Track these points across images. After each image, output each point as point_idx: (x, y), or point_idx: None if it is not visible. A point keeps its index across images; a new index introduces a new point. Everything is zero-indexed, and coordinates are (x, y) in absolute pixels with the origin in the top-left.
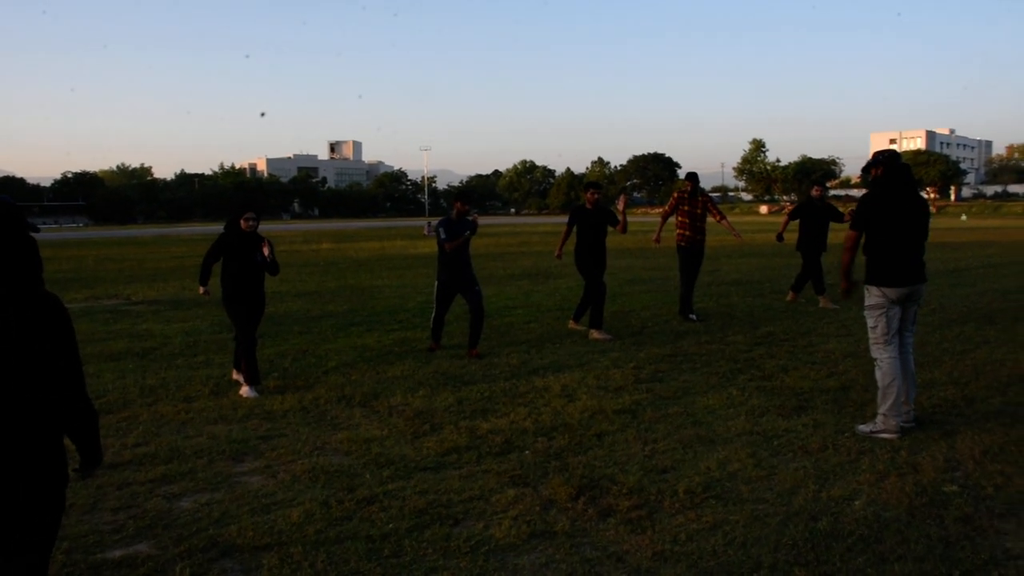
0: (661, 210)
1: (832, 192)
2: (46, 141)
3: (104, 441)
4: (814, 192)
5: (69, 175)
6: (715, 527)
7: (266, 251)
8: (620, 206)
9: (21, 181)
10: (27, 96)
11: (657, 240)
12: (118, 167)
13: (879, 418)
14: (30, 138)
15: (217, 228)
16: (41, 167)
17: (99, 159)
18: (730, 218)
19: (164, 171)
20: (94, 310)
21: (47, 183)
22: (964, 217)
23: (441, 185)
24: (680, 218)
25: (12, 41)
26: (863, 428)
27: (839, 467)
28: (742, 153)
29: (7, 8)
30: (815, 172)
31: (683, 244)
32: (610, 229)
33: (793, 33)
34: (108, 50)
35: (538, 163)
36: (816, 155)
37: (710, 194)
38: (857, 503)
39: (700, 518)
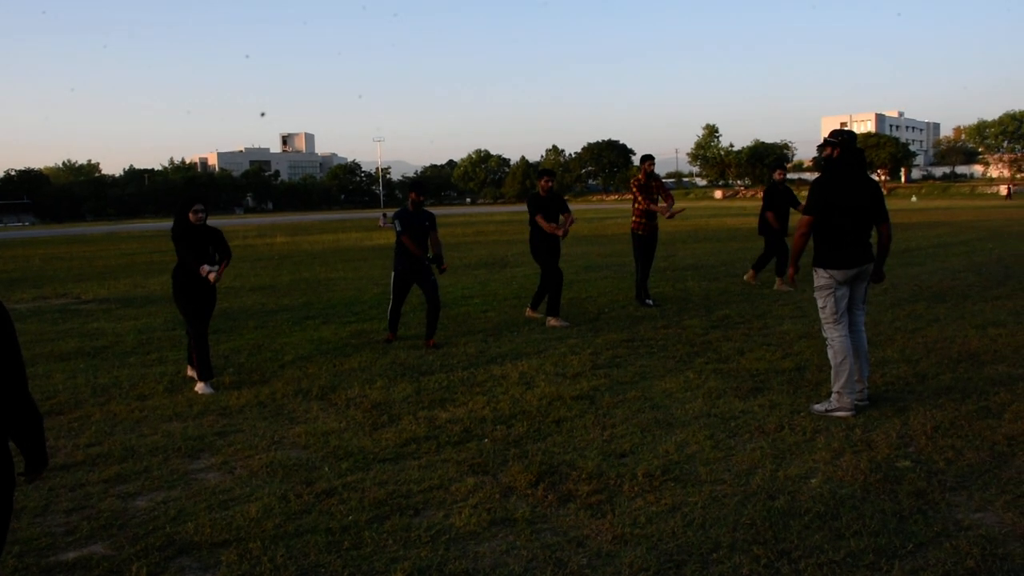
0: (629, 196)
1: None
2: None
3: (56, 442)
4: (776, 175)
5: (12, 172)
6: (674, 509)
7: (212, 277)
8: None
9: None
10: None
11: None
12: (64, 164)
13: (833, 397)
14: None
15: (167, 224)
16: None
17: (43, 156)
18: (685, 203)
19: (112, 167)
20: (42, 310)
21: None
22: (914, 199)
23: (395, 176)
24: (637, 204)
25: None
26: (818, 407)
27: (795, 446)
28: (695, 139)
29: None
30: (768, 156)
31: (639, 231)
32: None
33: (744, 16)
34: (51, 42)
35: (492, 152)
36: (769, 139)
37: (664, 180)
38: (813, 481)
39: (659, 501)
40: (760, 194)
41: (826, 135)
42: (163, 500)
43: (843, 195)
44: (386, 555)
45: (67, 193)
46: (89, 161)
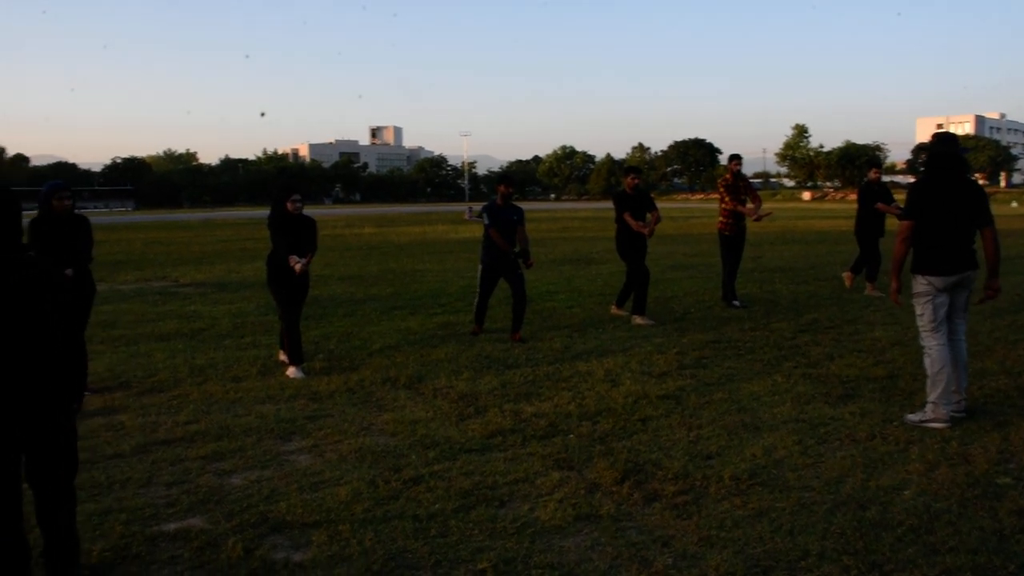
0: (715, 196)
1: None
2: (96, 127)
3: (157, 418)
4: (872, 175)
5: (118, 160)
6: (761, 514)
7: (298, 267)
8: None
9: (72, 166)
10: (77, 83)
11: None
12: (165, 153)
13: (928, 407)
14: (81, 125)
15: (261, 213)
16: (92, 153)
17: (147, 145)
18: (772, 205)
19: (209, 156)
20: (144, 292)
21: (97, 168)
22: (1015, 204)
23: (481, 170)
24: (723, 205)
25: (58, 30)
26: (912, 417)
27: (887, 456)
28: (784, 138)
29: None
30: (859, 158)
31: (725, 231)
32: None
33: (838, 15)
34: (153, 40)
35: (578, 148)
36: (860, 140)
37: (751, 180)
38: (907, 493)
39: (746, 504)
40: (852, 196)
41: (923, 138)
42: (257, 479)
43: (943, 198)
44: (472, 544)
45: (167, 181)
46: (188, 150)
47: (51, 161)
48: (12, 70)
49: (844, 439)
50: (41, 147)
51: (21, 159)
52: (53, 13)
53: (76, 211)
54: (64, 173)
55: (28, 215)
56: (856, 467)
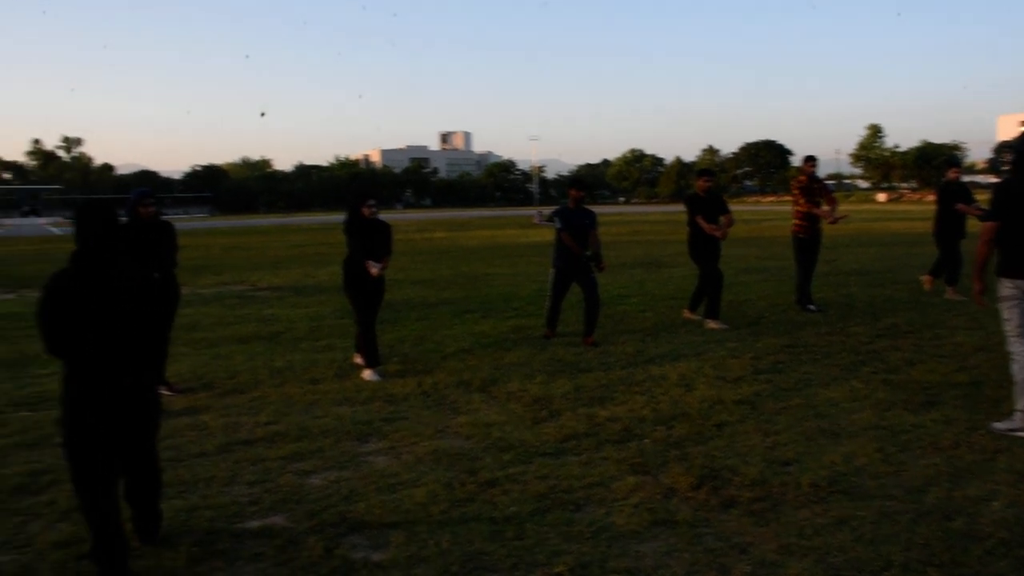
0: (787, 198)
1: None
2: (176, 137)
3: (239, 418)
4: (951, 174)
5: (197, 168)
6: (842, 522)
7: (374, 271)
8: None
9: (155, 174)
10: (157, 94)
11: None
12: (241, 160)
13: (1017, 415)
14: (162, 134)
15: (334, 218)
16: (173, 161)
17: (224, 152)
18: (846, 206)
19: (283, 163)
20: (223, 295)
21: (177, 176)
22: None
23: (550, 174)
24: (798, 207)
25: (139, 43)
26: (999, 425)
27: (974, 466)
28: (858, 139)
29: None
30: (937, 158)
31: (800, 234)
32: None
33: (912, 8)
34: (228, 52)
35: (647, 152)
36: (938, 140)
37: (825, 181)
38: (995, 504)
39: (826, 512)
40: (930, 197)
41: (1007, 136)
42: (335, 479)
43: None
44: (548, 548)
45: (243, 187)
46: (262, 157)
47: (135, 169)
48: (100, 81)
49: (927, 447)
50: (126, 156)
51: (107, 168)
52: (139, 27)
53: (161, 217)
54: (147, 181)
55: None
56: (940, 476)
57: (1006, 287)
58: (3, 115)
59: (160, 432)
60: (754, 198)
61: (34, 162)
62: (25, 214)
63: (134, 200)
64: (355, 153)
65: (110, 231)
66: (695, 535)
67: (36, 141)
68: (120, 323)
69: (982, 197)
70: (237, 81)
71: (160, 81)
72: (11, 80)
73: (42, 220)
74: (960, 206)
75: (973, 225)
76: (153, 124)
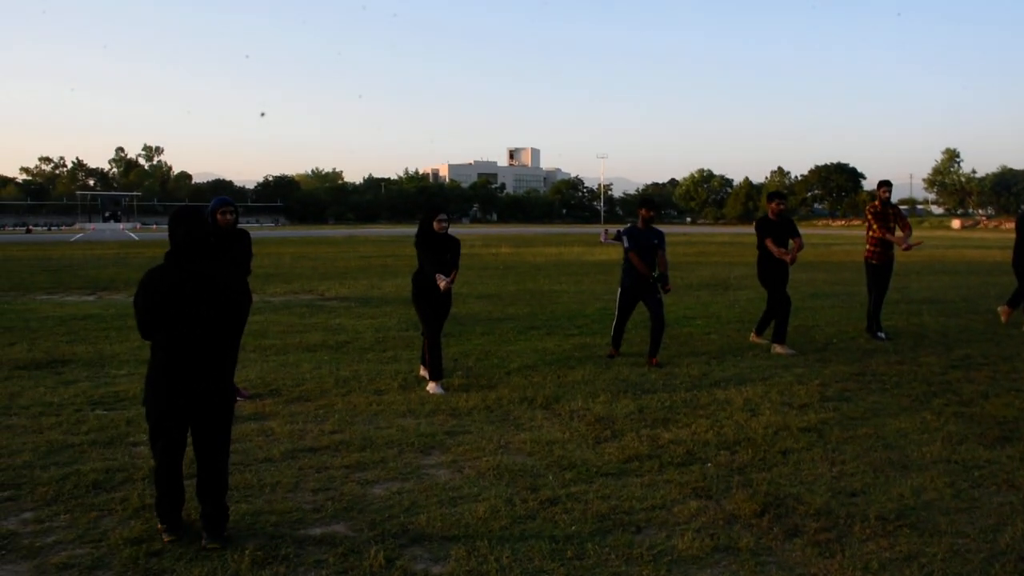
0: (862, 223)
1: None
2: (251, 147)
3: (304, 426)
4: None
5: (270, 178)
6: (910, 558)
7: (443, 285)
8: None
9: (229, 183)
10: (234, 107)
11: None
12: (312, 171)
13: None
14: (238, 145)
15: (401, 231)
16: (248, 171)
17: (296, 163)
18: (920, 233)
19: (353, 175)
20: (292, 304)
21: (251, 185)
22: None
23: (617, 193)
24: (871, 232)
25: (206, 56)
26: None
27: None
28: (933, 163)
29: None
30: (1016, 184)
31: (872, 260)
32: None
33: (991, 31)
34: (299, 67)
35: (715, 172)
36: (1018, 166)
37: (899, 207)
38: None
39: (893, 547)
40: (1008, 224)
41: None
42: (398, 491)
43: None
44: (608, 569)
45: (313, 198)
46: (334, 169)
47: (210, 179)
48: (174, 88)
49: (1001, 484)
50: (202, 165)
51: (185, 176)
52: (205, 39)
53: (238, 226)
54: (221, 190)
55: None
56: (1016, 515)
57: None
58: (88, 123)
59: (230, 434)
60: (824, 222)
61: (116, 169)
62: (107, 219)
63: (213, 207)
64: (424, 167)
65: (197, 234)
66: (758, 563)
67: (119, 149)
68: (204, 318)
69: None
70: (309, 95)
71: (235, 90)
72: (95, 89)
73: (122, 225)
74: None
75: None
76: (228, 133)
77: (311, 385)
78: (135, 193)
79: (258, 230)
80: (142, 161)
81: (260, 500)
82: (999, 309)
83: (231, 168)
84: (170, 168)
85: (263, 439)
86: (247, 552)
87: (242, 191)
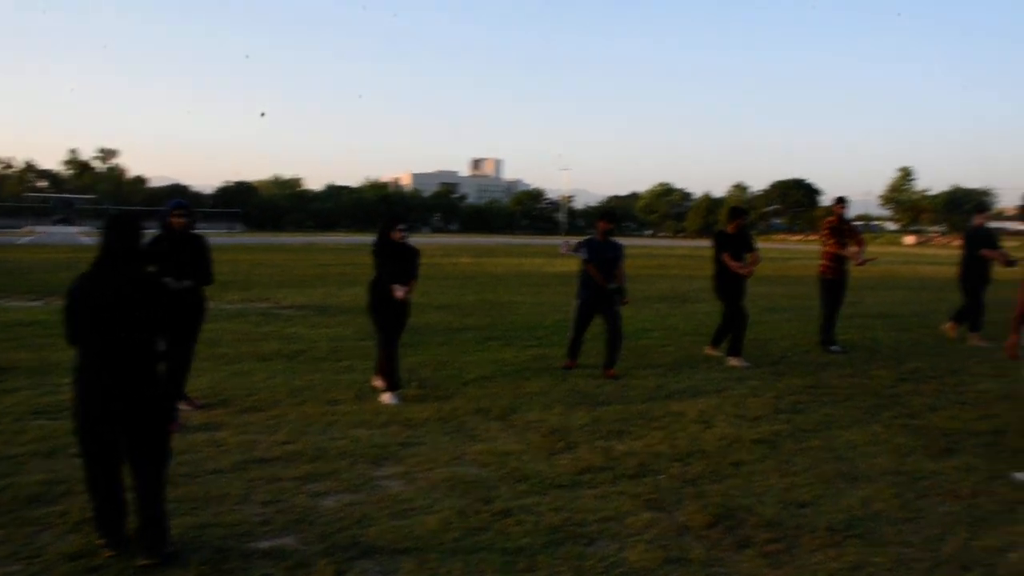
0: (815, 237)
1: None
2: (208, 152)
3: (256, 436)
4: (977, 220)
5: (229, 184)
6: (857, 568)
7: (400, 294)
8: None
9: (186, 188)
10: (195, 111)
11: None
12: (272, 177)
13: None
14: (198, 149)
15: (361, 239)
16: (207, 176)
17: (256, 169)
18: (874, 248)
19: (314, 183)
20: (247, 312)
21: (208, 191)
22: None
23: (578, 205)
24: (827, 247)
25: (172, 57)
26: (1020, 476)
27: (993, 515)
28: (888, 181)
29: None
30: (967, 203)
31: (827, 275)
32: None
33: (949, 52)
34: (261, 72)
35: (675, 186)
36: (969, 184)
37: (854, 223)
38: (1013, 555)
39: (841, 557)
40: (958, 241)
41: None
42: (349, 502)
43: None
44: None
45: (272, 205)
46: (294, 176)
47: (167, 183)
48: (132, 93)
49: (946, 494)
50: (159, 170)
51: (140, 180)
52: (169, 45)
53: (192, 231)
54: (178, 194)
55: (150, 233)
56: (959, 525)
57: None
58: (40, 123)
59: (170, 444)
60: (782, 236)
61: (70, 171)
62: (57, 222)
63: (167, 210)
64: (386, 175)
65: (128, 242)
66: (708, 574)
67: (72, 151)
68: (124, 326)
69: (1012, 244)
70: (274, 100)
71: (197, 96)
72: (48, 90)
73: (74, 229)
74: (985, 252)
75: (999, 272)
76: (187, 138)
77: (264, 395)
78: (88, 196)
79: (215, 236)
80: (96, 164)
81: (207, 512)
82: (944, 327)
83: (189, 173)
84: (125, 172)
85: (212, 449)
86: (192, 567)
87: (199, 196)
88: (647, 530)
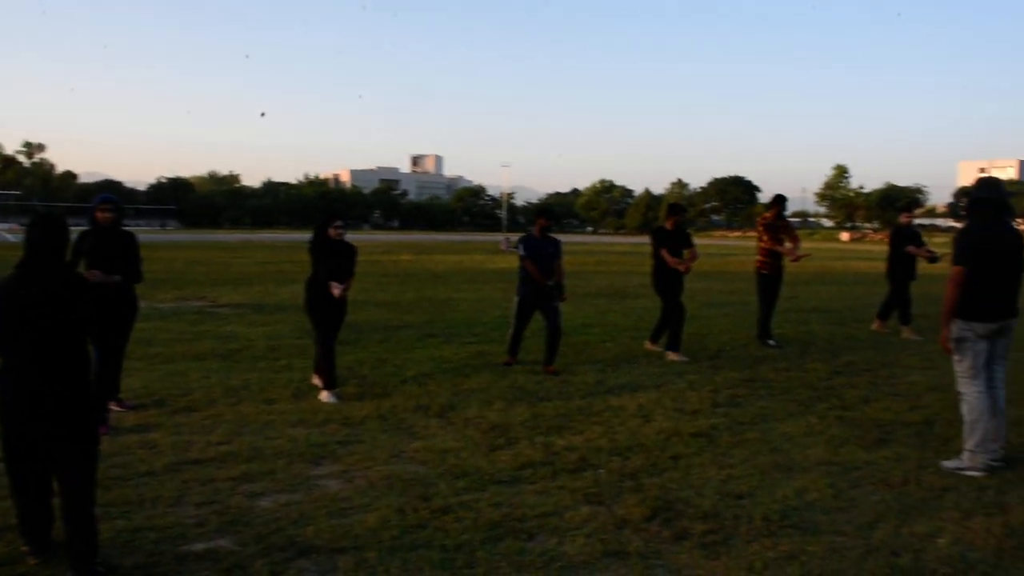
0: (753, 233)
1: (916, 221)
2: (142, 146)
3: (191, 437)
4: (903, 219)
5: (164, 180)
6: (792, 557)
7: (337, 292)
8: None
9: (119, 184)
10: (123, 101)
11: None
12: (209, 174)
13: (965, 455)
14: (128, 143)
15: (298, 235)
16: (142, 172)
17: (192, 165)
18: (810, 244)
19: (252, 179)
20: (182, 311)
21: (142, 187)
22: None
23: (520, 201)
24: (762, 243)
25: (105, 51)
26: (948, 464)
27: (922, 503)
28: (824, 178)
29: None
30: (899, 200)
31: (764, 270)
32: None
33: (880, 56)
34: (196, 61)
35: (616, 183)
36: (901, 182)
37: (789, 219)
38: (941, 541)
39: (776, 547)
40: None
41: (968, 182)
42: (286, 502)
43: (987, 244)
44: None
45: (209, 201)
46: (231, 172)
47: (98, 179)
48: (62, 86)
49: (878, 484)
50: (88, 164)
51: (70, 176)
52: (101, 34)
53: (122, 227)
54: (110, 190)
55: (78, 230)
56: (890, 513)
57: (961, 329)
58: None
59: (90, 452)
60: (721, 233)
61: None
62: None
63: (93, 206)
64: (325, 172)
65: (55, 241)
66: (646, 567)
67: None
68: (53, 326)
69: (941, 240)
70: (207, 95)
71: (127, 90)
72: None
73: (2, 226)
74: (910, 248)
75: (924, 268)
76: (122, 133)
77: (199, 395)
78: (13, 192)
79: (149, 233)
80: (22, 159)
81: (140, 516)
82: (872, 327)
83: (123, 169)
84: (53, 167)
85: (145, 451)
86: (122, 572)
87: (132, 192)
88: (586, 524)
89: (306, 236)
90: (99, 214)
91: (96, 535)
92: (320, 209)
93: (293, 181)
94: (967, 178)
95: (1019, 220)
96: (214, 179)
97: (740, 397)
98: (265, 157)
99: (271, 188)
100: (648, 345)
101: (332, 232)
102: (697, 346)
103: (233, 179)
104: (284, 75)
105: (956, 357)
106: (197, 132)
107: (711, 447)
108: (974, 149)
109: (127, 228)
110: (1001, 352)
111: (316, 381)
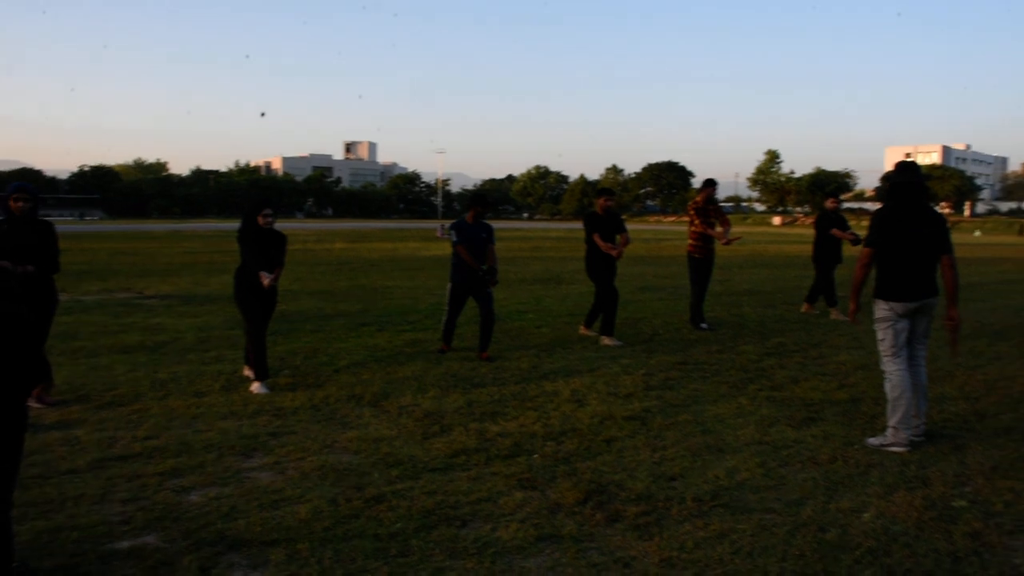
0: (686, 218)
1: (846, 205)
2: (64, 134)
3: (115, 433)
4: (828, 204)
5: (86, 168)
6: (722, 535)
7: (266, 282)
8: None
9: (38, 173)
10: (45, 89)
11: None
12: (135, 162)
13: (889, 431)
14: (49, 130)
15: (229, 224)
16: (59, 160)
17: (117, 153)
18: (743, 228)
19: (180, 167)
20: (107, 303)
21: (64, 175)
22: (978, 233)
23: (455, 188)
24: (693, 227)
25: (25, 35)
26: (873, 441)
27: (848, 479)
28: (756, 164)
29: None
30: (829, 184)
31: (695, 254)
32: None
33: (810, 44)
34: (121, 49)
35: (551, 169)
36: (831, 167)
37: (721, 204)
38: (866, 515)
39: (707, 526)
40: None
41: (891, 167)
42: (216, 496)
43: (904, 226)
44: (432, 564)
45: (136, 190)
46: (158, 160)
47: (15, 167)
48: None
49: (806, 462)
50: (8, 152)
51: None
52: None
53: (41, 217)
54: (28, 179)
55: None
56: (817, 489)
57: (881, 309)
58: None
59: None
60: (655, 218)
61: None
62: None
63: (6, 194)
64: (256, 159)
65: None
66: (579, 550)
67: None
68: None
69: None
70: (134, 80)
71: (55, 75)
72: None
73: None
74: (835, 232)
75: (849, 250)
76: (41, 120)
77: (124, 389)
78: None
79: (71, 224)
80: None
81: (61, 515)
82: (803, 309)
83: (43, 157)
84: None
85: (67, 449)
86: (43, 574)
87: (53, 181)
88: (520, 509)
89: (236, 225)
90: (12, 203)
91: (12, 534)
92: (252, 197)
93: (224, 169)
94: (893, 163)
95: (943, 204)
96: (140, 167)
97: (673, 380)
98: (194, 144)
99: (201, 176)
100: (582, 330)
101: (261, 220)
102: (631, 330)
103: (161, 167)
104: (213, 63)
105: (879, 336)
106: (120, 119)
107: (644, 430)
108: (900, 135)
109: (44, 218)
110: (922, 331)
111: (247, 372)
